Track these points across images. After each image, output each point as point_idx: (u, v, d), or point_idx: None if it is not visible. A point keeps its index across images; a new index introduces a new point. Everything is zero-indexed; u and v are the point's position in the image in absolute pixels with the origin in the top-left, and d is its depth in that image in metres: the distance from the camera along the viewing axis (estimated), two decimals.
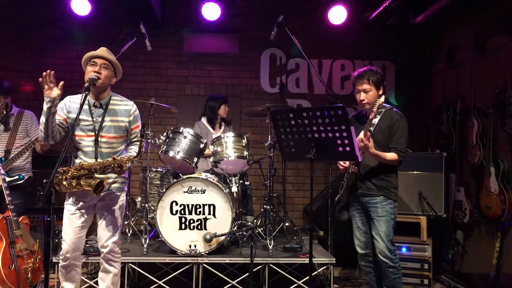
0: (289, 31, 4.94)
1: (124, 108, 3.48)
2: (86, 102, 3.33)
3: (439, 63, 6.10)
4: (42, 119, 3.23)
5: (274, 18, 5.06)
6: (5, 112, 4.35)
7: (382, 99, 3.30)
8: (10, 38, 6.34)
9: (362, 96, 3.55)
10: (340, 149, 3.17)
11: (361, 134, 3.35)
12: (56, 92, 3.18)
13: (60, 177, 3.23)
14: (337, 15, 6.08)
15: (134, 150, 3.47)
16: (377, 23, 6.14)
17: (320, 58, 6.67)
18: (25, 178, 4.48)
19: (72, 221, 3.39)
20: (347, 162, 3.59)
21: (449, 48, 5.77)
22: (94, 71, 3.31)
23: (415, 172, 5.08)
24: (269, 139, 5.00)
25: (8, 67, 6.35)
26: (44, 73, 3.16)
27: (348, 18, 6.08)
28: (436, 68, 6.23)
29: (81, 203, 3.40)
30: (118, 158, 3.28)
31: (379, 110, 3.47)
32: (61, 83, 3.21)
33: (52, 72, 3.18)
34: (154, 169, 5.24)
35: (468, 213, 5.05)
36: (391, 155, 3.47)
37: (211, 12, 6.12)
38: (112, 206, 3.47)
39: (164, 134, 4.74)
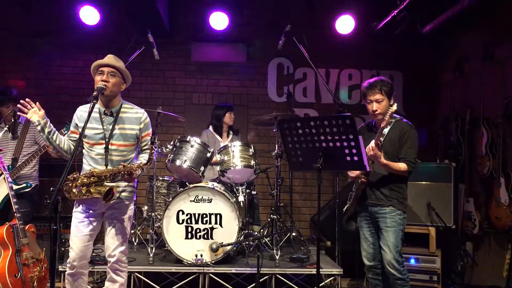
0: (297, 41, 4.94)
1: (135, 116, 3.47)
2: (97, 110, 3.35)
3: (447, 72, 6.07)
4: (45, 140, 3.29)
5: (281, 28, 5.07)
6: (13, 120, 4.35)
7: (395, 106, 3.27)
8: (18, 46, 6.40)
9: (375, 106, 3.52)
10: (348, 158, 3.14)
11: (372, 143, 3.32)
12: (36, 117, 3.21)
13: (70, 184, 3.23)
14: (345, 24, 6.08)
15: (144, 157, 3.45)
16: (385, 33, 6.13)
17: (327, 67, 6.67)
18: (32, 186, 4.48)
19: (80, 229, 3.37)
20: (357, 171, 3.55)
21: (457, 58, 5.75)
22: (102, 80, 3.31)
23: (424, 182, 5.03)
24: (276, 148, 4.98)
25: (17, 76, 6.42)
26: (22, 101, 3.23)
27: (355, 28, 6.07)
28: (444, 78, 6.20)
29: (89, 211, 3.39)
30: (128, 165, 3.27)
31: (390, 121, 3.44)
32: (37, 103, 3.26)
33: (32, 102, 3.24)
34: (161, 178, 5.23)
35: (478, 224, 4.99)
36: (400, 165, 3.43)
37: (218, 21, 6.14)
38: (121, 215, 3.45)
39: (171, 143, 4.73)
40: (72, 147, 3.39)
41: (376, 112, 3.52)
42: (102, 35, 6.31)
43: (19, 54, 6.42)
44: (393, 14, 5.60)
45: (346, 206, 3.76)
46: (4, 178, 4.04)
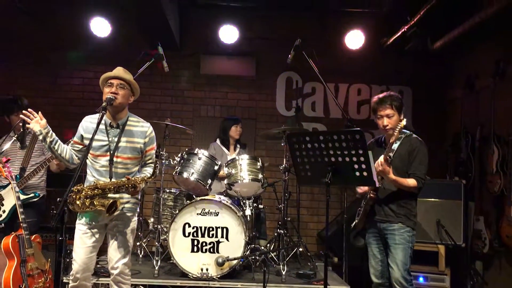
0: (306, 55, 4.93)
1: (140, 129, 3.47)
2: (103, 122, 3.34)
3: (457, 89, 6.04)
4: (47, 149, 3.31)
5: (290, 42, 5.07)
6: (22, 130, 4.37)
7: (404, 122, 3.25)
8: (29, 58, 6.46)
9: (386, 121, 3.49)
10: (357, 173, 3.10)
11: (381, 158, 3.28)
12: (37, 126, 3.23)
13: (74, 196, 3.21)
14: (354, 39, 6.07)
15: (148, 171, 3.45)
16: (395, 48, 6.13)
17: (336, 82, 6.65)
18: (40, 196, 4.48)
19: (83, 241, 3.36)
20: (366, 187, 3.51)
21: (468, 74, 5.72)
22: (111, 92, 3.31)
23: (433, 199, 4.97)
24: (284, 162, 4.95)
25: (27, 87, 6.45)
26: (24, 111, 3.24)
27: (365, 43, 6.06)
28: (455, 94, 6.17)
29: (93, 223, 3.37)
30: (133, 178, 3.26)
31: (399, 136, 3.41)
32: (39, 112, 3.27)
33: (34, 112, 3.26)
34: (167, 190, 5.20)
35: (488, 243, 4.91)
36: (410, 181, 3.39)
37: (228, 35, 6.17)
38: (124, 227, 3.43)
39: (179, 155, 4.72)
40: (75, 157, 3.41)
41: (387, 127, 3.49)
42: (112, 46, 6.34)
43: (30, 65, 6.47)
44: (403, 30, 5.60)
45: (354, 222, 3.71)
46: (12, 187, 4.04)
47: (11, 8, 5.98)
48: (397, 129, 3.23)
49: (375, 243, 3.61)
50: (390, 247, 3.47)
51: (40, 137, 3.25)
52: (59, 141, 3.34)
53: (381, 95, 3.56)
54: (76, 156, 3.42)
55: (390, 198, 3.48)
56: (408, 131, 3.59)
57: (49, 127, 3.28)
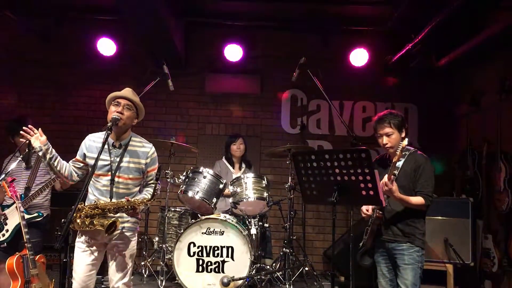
0: (311, 73, 4.94)
1: (142, 150, 3.47)
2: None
3: (463, 105, 6.02)
4: (46, 165, 3.32)
5: (295, 60, 5.08)
6: (27, 150, 4.38)
7: (406, 142, 3.21)
8: (36, 77, 6.52)
9: (385, 140, 3.47)
10: (364, 192, 3.07)
11: (385, 178, 3.24)
12: (37, 143, 3.23)
13: (74, 214, 3.19)
14: (359, 57, 6.09)
15: (149, 192, 3.43)
16: (400, 66, 6.13)
17: (341, 99, 6.65)
18: (44, 215, 4.47)
19: (82, 259, 3.33)
20: (370, 209, 3.47)
21: (474, 91, 5.71)
22: (117, 112, 3.32)
23: (441, 217, 4.92)
24: (289, 180, 4.93)
25: (33, 105, 6.50)
26: (25, 128, 3.25)
27: (369, 60, 6.08)
28: (461, 111, 6.15)
29: (92, 241, 3.35)
30: (132, 200, 3.25)
31: (403, 153, 3.38)
32: (39, 129, 3.28)
33: (34, 128, 3.27)
34: (172, 209, 5.19)
35: (497, 262, 4.84)
36: (417, 199, 3.34)
37: (233, 53, 6.21)
38: (123, 246, 3.40)
39: (184, 173, 4.72)
40: (74, 173, 3.41)
41: (387, 146, 3.47)
42: (118, 65, 6.40)
43: (36, 83, 6.52)
44: (407, 48, 5.60)
45: (362, 241, 3.65)
46: (16, 207, 4.03)
47: (18, 28, 6.04)
48: (399, 149, 3.19)
49: (384, 262, 3.56)
50: (399, 268, 3.42)
51: (40, 153, 3.25)
52: (58, 157, 3.33)
53: (381, 114, 3.54)
54: (76, 173, 3.42)
55: (397, 218, 3.43)
56: (412, 148, 3.55)
57: (49, 143, 3.27)
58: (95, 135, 3.48)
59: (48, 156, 3.26)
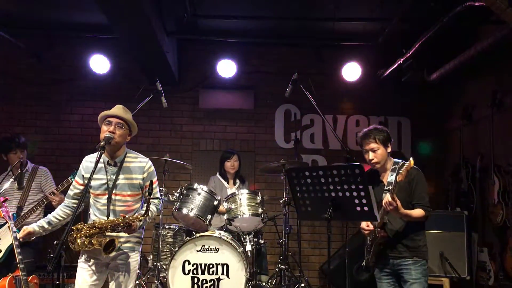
0: (304, 88, 4.97)
1: (138, 165, 3.45)
2: (101, 160, 3.32)
3: (455, 119, 6.05)
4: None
5: (288, 75, 5.11)
6: (19, 171, 4.37)
7: (411, 160, 3.13)
8: (29, 95, 6.52)
9: (371, 155, 3.47)
10: (358, 208, 3.07)
11: (388, 197, 3.21)
12: (32, 236, 3.32)
13: (74, 235, 3.20)
14: (351, 72, 6.12)
15: (150, 207, 3.40)
16: (392, 80, 6.19)
17: (335, 113, 6.67)
18: None
19: (83, 278, 3.31)
20: (370, 225, 3.45)
21: (465, 104, 5.75)
22: (109, 131, 3.31)
23: (436, 231, 4.92)
24: (284, 196, 4.91)
25: (26, 123, 6.47)
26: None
27: (362, 75, 6.11)
28: (453, 124, 6.18)
29: (93, 261, 3.34)
30: (128, 216, 3.22)
31: (393, 167, 3.39)
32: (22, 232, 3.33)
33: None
34: (167, 226, 5.14)
35: (493, 275, 4.83)
36: (418, 212, 3.32)
37: (226, 69, 6.22)
38: (124, 266, 3.37)
39: (178, 190, 4.69)
40: (68, 211, 3.43)
41: (373, 161, 3.47)
42: (111, 83, 6.41)
43: (29, 102, 6.51)
44: (399, 62, 5.66)
45: (365, 261, 3.61)
46: (9, 227, 3.99)
47: (10, 46, 6.05)
48: (404, 169, 3.14)
49: (386, 279, 3.50)
50: (406, 283, 3.37)
51: (43, 233, 3.37)
52: (50, 220, 3.38)
53: (366, 129, 3.55)
54: (69, 210, 3.43)
55: (400, 234, 3.39)
56: (400, 160, 3.54)
57: (35, 227, 3.31)
58: (92, 155, 3.47)
59: (46, 230, 3.36)
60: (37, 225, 3.33)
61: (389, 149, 3.48)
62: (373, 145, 3.45)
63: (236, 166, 5.44)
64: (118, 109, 3.42)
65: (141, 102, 5.06)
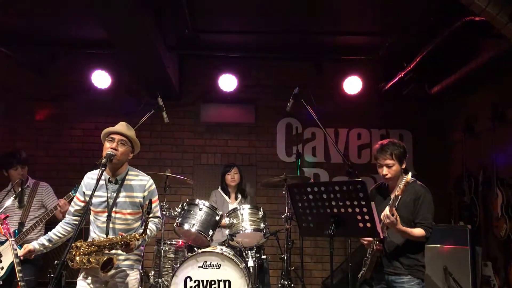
0: (305, 102, 4.97)
1: (139, 183, 3.43)
2: (103, 177, 3.30)
3: (457, 132, 6.04)
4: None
5: (289, 88, 5.12)
6: (20, 189, 4.36)
7: (410, 175, 3.16)
8: (30, 110, 6.53)
9: (385, 171, 3.44)
10: (361, 225, 3.05)
11: (387, 210, 3.19)
12: (33, 254, 3.34)
13: (73, 252, 3.18)
14: (352, 85, 6.13)
15: (150, 226, 3.35)
16: (393, 93, 6.19)
17: (336, 127, 6.66)
18: None
19: None
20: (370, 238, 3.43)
21: (467, 117, 5.74)
22: (111, 148, 3.29)
23: (439, 245, 4.88)
24: (286, 210, 4.88)
25: (28, 139, 6.47)
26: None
27: (363, 88, 6.12)
28: (455, 137, 6.16)
29: (91, 279, 3.29)
30: (126, 235, 3.19)
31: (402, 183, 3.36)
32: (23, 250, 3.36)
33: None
34: (168, 242, 5.11)
35: None
36: (418, 231, 3.30)
37: (227, 83, 6.24)
38: (122, 285, 3.31)
39: (179, 206, 4.67)
40: (69, 228, 3.41)
41: (387, 177, 3.45)
42: (112, 97, 6.41)
43: (31, 117, 6.52)
44: (400, 76, 5.66)
45: (361, 273, 3.59)
46: (10, 244, 3.96)
47: (12, 61, 6.07)
48: (402, 183, 3.15)
49: None
50: None
51: (44, 250, 3.38)
52: (50, 237, 3.37)
53: (384, 142, 3.51)
54: (70, 227, 3.42)
55: (397, 250, 3.38)
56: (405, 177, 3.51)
57: (36, 245, 3.32)
58: (93, 172, 3.45)
59: (47, 248, 3.37)
60: (37, 243, 3.32)
61: (403, 166, 3.44)
62: (388, 161, 3.41)
63: (236, 179, 5.42)
64: (121, 126, 3.41)
65: (143, 117, 5.07)
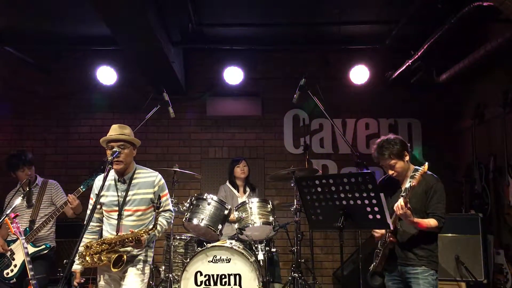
0: (311, 93, 4.93)
1: (148, 180, 3.48)
2: (112, 178, 3.41)
3: (467, 119, 5.95)
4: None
5: (295, 80, 5.08)
6: (28, 189, 4.38)
7: (426, 166, 3.10)
8: (37, 108, 6.55)
9: (390, 171, 3.41)
10: (370, 216, 3.02)
11: (400, 201, 3.16)
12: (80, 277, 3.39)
13: (84, 252, 3.26)
14: (359, 74, 6.05)
15: (160, 221, 3.42)
16: (401, 81, 6.12)
17: (344, 117, 6.61)
18: (50, 247, 4.44)
19: None
20: (382, 230, 3.39)
21: (476, 104, 5.65)
22: (116, 161, 3.34)
23: (450, 234, 4.84)
24: (295, 203, 4.86)
25: (36, 137, 6.50)
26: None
27: (370, 77, 6.04)
28: (464, 125, 6.09)
29: (107, 275, 3.40)
30: (136, 231, 3.26)
31: (413, 174, 3.31)
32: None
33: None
34: (178, 237, 5.12)
35: (510, 278, 4.73)
36: (431, 222, 3.25)
37: (233, 76, 6.19)
38: (134, 280, 3.36)
39: (188, 201, 4.67)
40: (96, 236, 3.52)
41: (394, 175, 3.41)
42: (118, 93, 6.41)
43: (38, 115, 6.54)
44: (407, 64, 5.59)
45: (372, 265, 3.56)
46: (20, 243, 3.99)
47: (17, 60, 6.08)
48: (418, 174, 3.10)
49: (395, 287, 3.46)
50: None
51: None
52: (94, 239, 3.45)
53: (378, 141, 3.47)
54: (95, 235, 3.53)
55: (411, 241, 3.34)
56: (420, 168, 3.47)
57: (78, 267, 3.33)
58: (103, 175, 3.49)
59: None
60: (77, 264, 3.33)
61: (406, 158, 3.40)
62: (389, 162, 3.38)
63: (246, 171, 5.41)
64: (114, 131, 3.44)
65: (149, 112, 5.07)
